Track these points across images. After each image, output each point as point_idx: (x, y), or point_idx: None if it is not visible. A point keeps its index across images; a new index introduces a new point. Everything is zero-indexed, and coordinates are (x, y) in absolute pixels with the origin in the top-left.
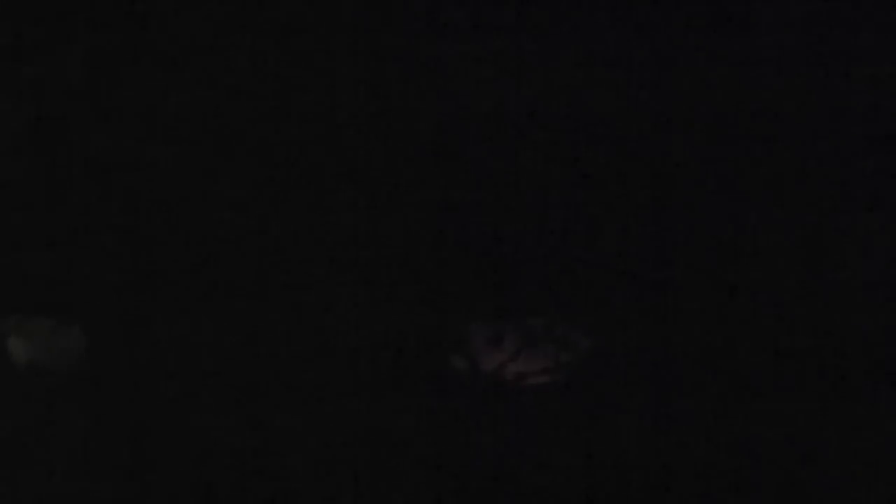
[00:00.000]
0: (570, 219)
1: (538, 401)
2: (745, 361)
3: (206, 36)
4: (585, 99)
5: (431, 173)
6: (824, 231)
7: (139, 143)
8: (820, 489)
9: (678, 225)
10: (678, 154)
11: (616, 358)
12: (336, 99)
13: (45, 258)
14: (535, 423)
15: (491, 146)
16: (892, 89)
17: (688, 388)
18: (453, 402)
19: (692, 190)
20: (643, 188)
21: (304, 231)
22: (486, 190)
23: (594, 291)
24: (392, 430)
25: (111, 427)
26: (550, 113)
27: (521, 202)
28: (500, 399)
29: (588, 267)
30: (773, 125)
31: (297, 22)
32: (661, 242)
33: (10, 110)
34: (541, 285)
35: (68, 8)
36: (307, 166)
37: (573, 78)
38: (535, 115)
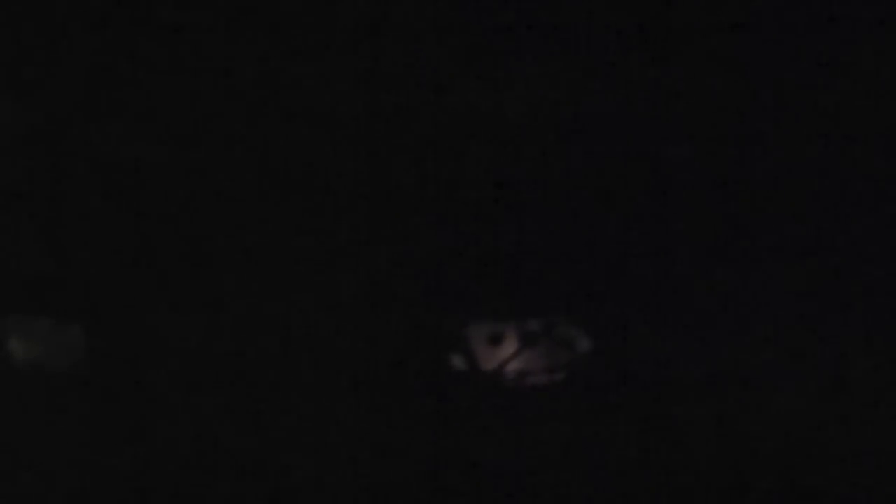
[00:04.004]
0: (571, 219)
1: (538, 401)
2: (745, 361)
3: (206, 36)
4: (585, 99)
5: (431, 173)
6: (825, 232)
7: (139, 143)
8: (819, 490)
9: (678, 225)
10: (678, 154)
11: (616, 358)
12: (336, 98)
13: (45, 258)
14: (535, 423)
15: (489, 146)
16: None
17: (687, 388)
18: (453, 402)
19: (692, 190)
20: (643, 188)
21: (303, 231)
22: (485, 190)
23: (594, 291)
24: (392, 431)
25: (111, 427)
26: (550, 113)
27: (521, 202)
28: (500, 399)
29: (588, 267)
30: (772, 125)
31: (296, 22)
32: (661, 243)
33: (11, 110)
34: (541, 285)
35: (68, 8)
36: (306, 166)
37: (573, 78)
38: (534, 115)
